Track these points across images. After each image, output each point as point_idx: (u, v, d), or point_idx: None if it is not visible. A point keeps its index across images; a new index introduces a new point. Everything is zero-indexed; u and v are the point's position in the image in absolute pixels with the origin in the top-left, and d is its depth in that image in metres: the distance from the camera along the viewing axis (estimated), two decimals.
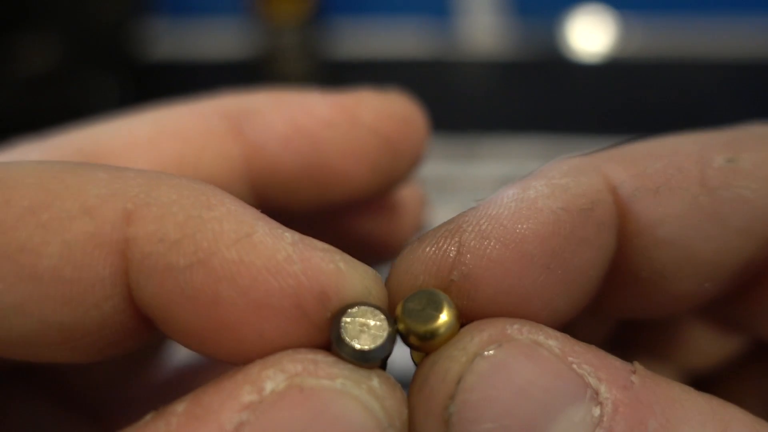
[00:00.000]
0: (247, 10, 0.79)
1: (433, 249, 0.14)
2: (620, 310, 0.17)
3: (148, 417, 0.12)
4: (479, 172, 0.62)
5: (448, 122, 0.72)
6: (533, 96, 0.77)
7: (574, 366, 0.12)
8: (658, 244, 0.15)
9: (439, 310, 0.14)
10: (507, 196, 0.14)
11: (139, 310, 0.13)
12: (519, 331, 0.13)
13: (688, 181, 0.15)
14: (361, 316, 0.13)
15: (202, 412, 0.12)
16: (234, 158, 0.18)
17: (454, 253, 0.14)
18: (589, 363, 0.13)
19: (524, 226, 0.14)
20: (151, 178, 0.13)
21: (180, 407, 0.12)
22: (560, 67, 0.83)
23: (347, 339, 0.13)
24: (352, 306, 0.13)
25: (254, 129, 0.18)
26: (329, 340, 0.13)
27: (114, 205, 0.13)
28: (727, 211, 0.14)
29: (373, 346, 0.13)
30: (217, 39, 0.87)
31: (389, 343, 0.13)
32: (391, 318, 0.13)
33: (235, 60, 0.84)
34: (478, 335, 0.13)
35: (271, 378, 0.12)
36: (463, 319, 0.14)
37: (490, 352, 0.13)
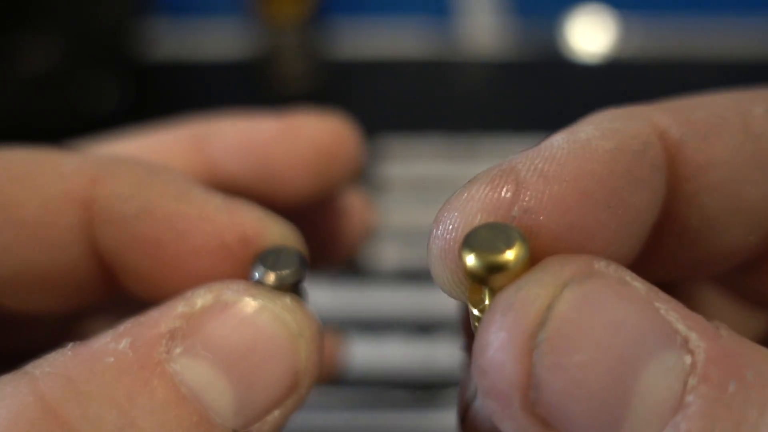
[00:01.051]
0: (247, 10, 0.79)
1: (489, 188, 0.14)
2: (665, 267, 0.16)
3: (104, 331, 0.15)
4: (479, 172, 0.62)
5: (448, 122, 0.72)
6: (533, 96, 0.77)
7: (662, 311, 0.12)
8: (708, 188, 0.15)
9: (511, 242, 0.13)
10: (557, 140, 0.15)
11: (101, 258, 0.17)
12: (606, 267, 0.13)
13: (733, 128, 0.15)
14: (277, 253, 0.16)
15: (145, 320, 0.14)
16: (197, 171, 0.21)
17: (513, 190, 0.14)
18: (676, 311, 0.12)
19: (582, 165, 0.14)
20: (113, 157, 0.17)
21: (129, 320, 0.15)
22: (560, 67, 0.83)
23: (265, 267, 0.16)
24: (271, 247, 0.16)
25: (213, 146, 0.22)
26: (251, 275, 0.16)
27: (83, 172, 0.16)
28: None
29: (286, 270, 0.16)
30: (217, 39, 0.88)
31: (300, 268, 0.16)
32: (302, 253, 0.16)
33: (235, 60, 0.84)
34: (567, 265, 0.13)
35: (201, 296, 0.15)
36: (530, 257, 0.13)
37: (582, 283, 0.12)
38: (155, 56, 0.83)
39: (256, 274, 0.16)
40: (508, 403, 0.12)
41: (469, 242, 0.13)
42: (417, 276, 0.54)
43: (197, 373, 0.14)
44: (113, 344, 0.14)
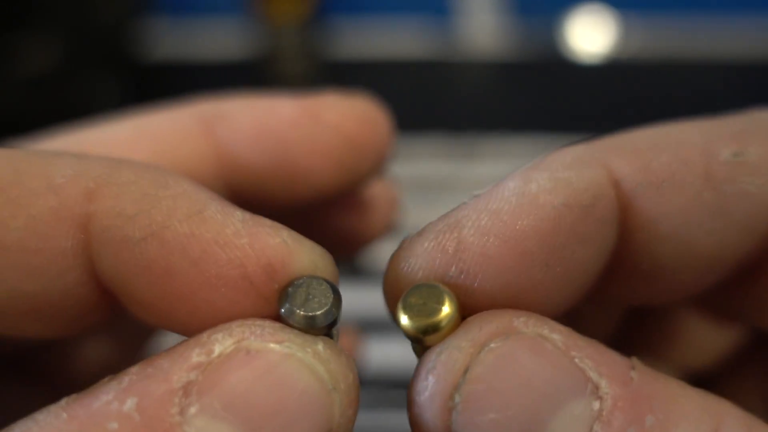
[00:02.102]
0: (247, 10, 0.79)
1: (432, 244, 0.14)
2: (621, 298, 0.17)
3: (105, 379, 0.13)
4: (479, 172, 0.62)
5: (448, 122, 0.72)
6: (533, 96, 0.77)
7: (576, 360, 0.13)
8: (660, 239, 0.15)
9: (441, 303, 0.14)
10: (508, 189, 0.14)
11: (100, 283, 0.14)
12: (525, 324, 0.13)
13: (692, 176, 0.14)
14: (307, 287, 0.13)
15: (153, 372, 0.12)
16: (206, 157, 0.19)
17: (453, 249, 0.14)
18: (591, 358, 0.13)
19: (525, 223, 0.14)
20: (112, 162, 0.14)
21: (134, 369, 0.12)
22: (560, 67, 0.83)
23: (293, 306, 0.13)
24: (299, 278, 0.14)
25: (225, 130, 0.19)
26: (277, 312, 0.13)
27: (77, 183, 0.13)
28: (730, 206, 0.14)
29: (318, 312, 0.13)
30: (217, 39, 0.87)
31: (334, 308, 0.14)
32: (336, 287, 0.14)
33: (235, 60, 0.84)
34: (486, 326, 0.13)
35: (220, 341, 0.13)
36: (463, 312, 0.14)
37: (497, 344, 0.13)
38: (155, 56, 0.83)
39: (283, 312, 0.13)
40: None
41: (405, 305, 0.14)
42: None
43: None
44: (116, 404, 0.12)
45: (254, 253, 0.13)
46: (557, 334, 0.13)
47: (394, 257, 0.15)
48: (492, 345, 0.13)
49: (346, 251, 0.22)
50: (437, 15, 0.87)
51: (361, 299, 0.51)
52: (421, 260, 0.14)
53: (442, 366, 0.13)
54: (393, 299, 0.14)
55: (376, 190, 0.22)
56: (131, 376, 0.12)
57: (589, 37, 0.85)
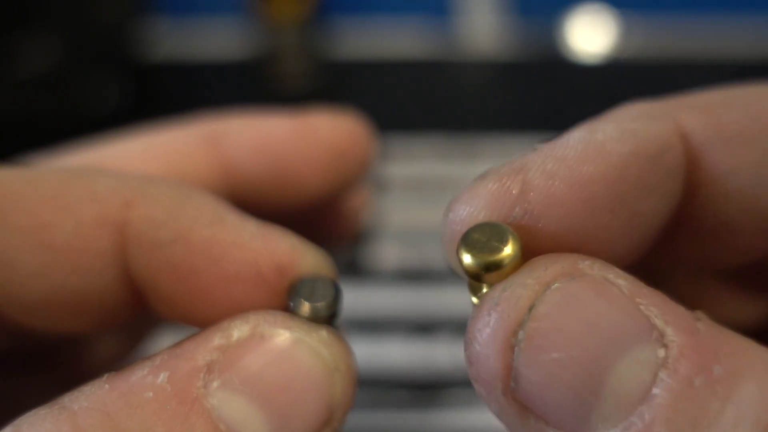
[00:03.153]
0: (247, 9, 0.80)
1: (496, 186, 0.15)
2: (684, 258, 0.17)
3: (139, 360, 0.15)
4: (479, 173, 0.62)
5: (448, 122, 0.72)
6: (533, 96, 0.77)
7: (642, 307, 0.13)
8: (728, 195, 0.15)
9: (504, 242, 0.14)
10: (574, 137, 0.15)
11: (132, 282, 0.16)
12: (590, 267, 0.13)
13: (763, 132, 0.14)
14: (312, 283, 0.16)
15: (181, 352, 0.14)
16: (212, 171, 0.21)
17: (518, 190, 0.14)
18: (656, 306, 0.13)
19: (591, 169, 0.14)
20: (145, 178, 0.17)
21: (164, 350, 0.15)
22: (560, 67, 0.83)
23: (300, 298, 0.15)
24: (305, 276, 0.16)
25: (228, 146, 0.21)
26: (286, 305, 0.16)
27: (116, 195, 0.16)
28: None
29: (322, 303, 0.15)
30: (218, 39, 0.88)
31: (336, 301, 0.16)
32: (337, 284, 0.16)
33: (235, 60, 0.85)
34: (552, 266, 0.13)
35: (238, 328, 0.15)
36: (525, 254, 0.14)
37: (563, 284, 0.13)
38: (155, 56, 0.83)
39: (292, 305, 0.16)
40: (491, 389, 0.13)
41: (466, 242, 0.14)
42: (417, 276, 0.54)
43: (234, 408, 0.14)
44: (151, 378, 0.14)
45: (267, 254, 0.16)
46: (623, 280, 0.13)
47: (455, 200, 0.15)
48: (557, 285, 0.13)
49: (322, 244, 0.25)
50: (437, 15, 0.87)
51: (362, 299, 0.51)
52: (484, 201, 0.15)
53: (506, 302, 0.13)
54: (452, 240, 0.15)
55: (355, 195, 0.25)
56: (162, 356, 0.14)
57: (589, 37, 0.85)
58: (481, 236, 0.14)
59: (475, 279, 0.14)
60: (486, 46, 0.86)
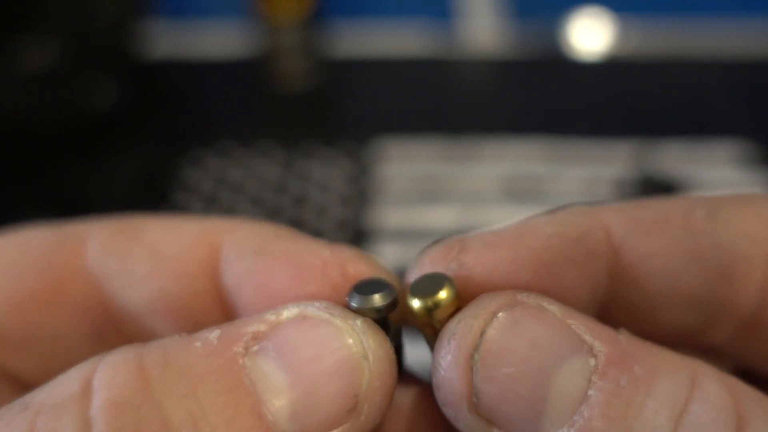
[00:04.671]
0: (246, 9, 0.79)
1: (441, 247, 0.18)
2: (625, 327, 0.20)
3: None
4: (479, 173, 0.62)
5: (449, 122, 0.72)
6: (533, 98, 0.77)
7: (573, 326, 0.16)
8: (648, 275, 0.18)
9: (442, 287, 0.17)
10: (511, 222, 0.18)
11: (220, 291, 0.19)
12: (527, 297, 0.16)
13: (674, 227, 0.18)
14: (371, 284, 0.17)
15: (239, 322, 0.16)
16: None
17: (457, 250, 0.17)
18: (585, 325, 0.16)
19: (520, 240, 0.17)
20: (234, 219, 0.20)
21: (220, 326, 0.17)
22: (560, 66, 0.83)
23: (354, 293, 0.17)
24: (367, 279, 0.18)
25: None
26: (345, 301, 0.17)
27: (216, 223, 0.19)
28: (705, 253, 0.18)
29: (370, 298, 0.17)
30: (217, 38, 0.88)
31: (384, 299, 0.17)
32: (393, 288, 0.17)
33: (235, 59, 0.85)
34: (495, 299, 0.16)
35: (288, 309, 0.17)
36: (464, 297, 0.17)
37: (506, 311, 0.16)
38: (155, 55, 0.83)
39: (347, 299, 0.17)
40: (458, 408, 0.16)
41: (413, 290, 0.17)
42: None
43: (263, 368, 0.15)
44: (207, 333, 0.16)
45: (334, 259, 0.18)
46: (555, 306, 0.16)
47: (413, 259, 0.18)
48: (501, 313, 0.16)
49: None
50: (439, 17, 0.87)
51: None
52: (429, 257, 0.18)
53: (462, 331, 0.16)
54: (405, 293, 0.18)
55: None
56: (219, 327, 0.16)
57: (589, 39, 0.85)
58: (424, 285, 0.17)
59: (425, 322, 0.17)
60: (486, 46, 0.86)
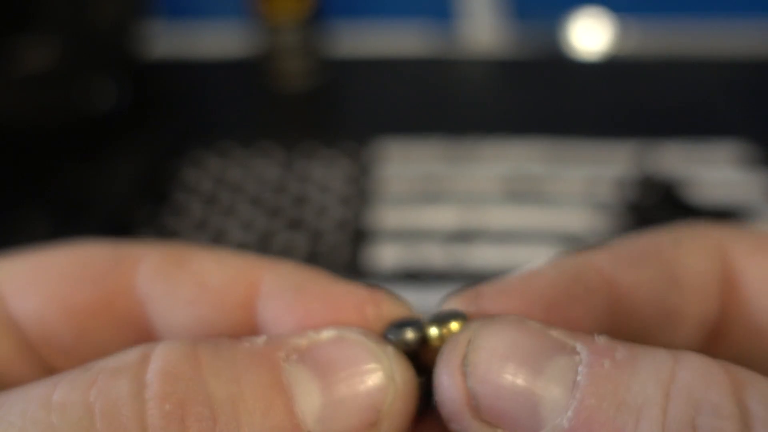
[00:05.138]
0: (246, 8, 0.79)
1: (460, 295, 0.20)
2: None
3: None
4: (479, 174, 0.62)
5: (449, 122, 0.72)
6: (533, 98, 0.77)
7: (554, 334, 0.17)
8: (639, 303, 0.20)
9: (455, 317, 0.19)
10: (520, 270, 0.20)
11: (255, 328, 0.20)
12: (507, 315, 0.18)
13: (649, 258, 0.21)
14: (405, 322, 0.19)
15: (284, 335, 0.18)
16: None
17: (474, 296, 0.19)
18: (564, 332, 0.17)
19: (527, 285, 0.19)
20: (274, 259, 0.21)
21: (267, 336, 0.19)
22: (560, 71, 0.83)
23: (391, 328, 0.19)
24: (403, 318, 0.19)
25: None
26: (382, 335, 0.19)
27: (256, 263, 0.21)
28: (681, 276, 0.20)
29: (402, 332, 0.19)
30: (217, 37, 0.88)
31: (414, 336, 0.19)
32: (424, 327, 0.19)
33: (235, 58, 0.85)
34: (478, 318, 0.18)
35: (327, 330, 0.18)
36: None
37: (488, 323, 0.18)
38: (155, 55, 0.83)
39: (384, 333, 0.19)
40: (462, 417, 0.17)
41: (431, 320, 0.19)
42: (417, 276, 0.54)
43: (299, 374, 0.17)
44: (254, 338, 0.18)
45: (370, 299, 0.20)
46: (534, 322, 0.18)
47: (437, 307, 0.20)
48: (485, 324, 0.18)
49: None
50: (439, 18, 0.87)
51: None
52: (449, 304, 0.20)
53: (450, 344, 0.18)
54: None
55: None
56: (263, 340, 0.18)
57: (589, 41, 0.85)
58: (442, 316, 0.19)
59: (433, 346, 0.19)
60: (487, 47, 0.86)
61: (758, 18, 0.84)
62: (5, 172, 0.67)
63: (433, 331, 0.19)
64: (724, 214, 0.56)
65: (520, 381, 0.17)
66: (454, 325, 0.19)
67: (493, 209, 0.58)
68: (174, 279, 0.21)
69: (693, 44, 0.84)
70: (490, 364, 0.17)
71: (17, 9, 0.66)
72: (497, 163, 0.63)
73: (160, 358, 0.17)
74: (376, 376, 0.18)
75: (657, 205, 0.56)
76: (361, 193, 0.61)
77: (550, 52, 0.85)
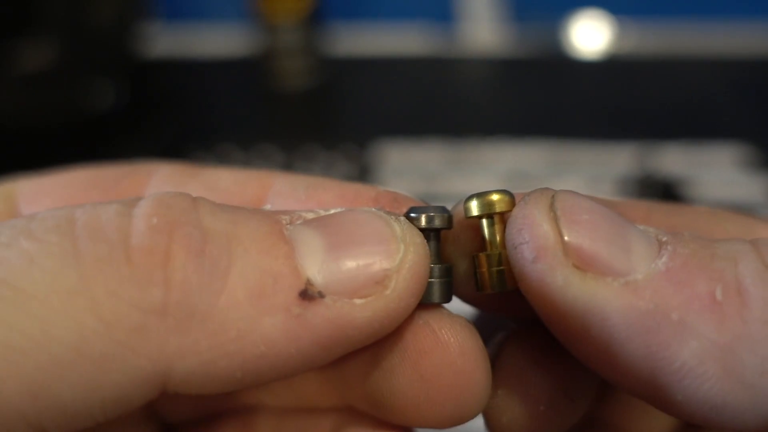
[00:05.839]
0: (246, 9, 0.79)
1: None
2: None
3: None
4: (480, 175, 0.62)
5: (448, 123, 0.71)
6: (533, 100, 0.77)
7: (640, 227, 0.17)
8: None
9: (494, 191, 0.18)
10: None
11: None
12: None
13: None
14: (426, 207, 0.19)
15: (284, 210, 0.18)
16: None
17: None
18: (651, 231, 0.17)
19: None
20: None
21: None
22: (560, 73, 0.83)
23: (414, 209, 0.18)
24: (422, 206, 0.19)
25: None
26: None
27: (269, 172, 0.20)
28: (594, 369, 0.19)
29: (423, 213, 0.18)
30: (217, 37, 0.87)
31: (434, 217, 0.18)
32: (445, 214, 0.19)
33: (234, 57, 0.84)
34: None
35: (336, 208, 0.18)
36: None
37: (563, 192, 0.17)
38: (154, 55, 0.83)
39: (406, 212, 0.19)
40: (554, 256, 0.16)
41: (468, 198, 0.19)
42: None
43: (302, 231, 0.16)
44: (268, 208, 0.18)
45: (386, 194, 0.19)
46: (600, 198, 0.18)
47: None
48: (559, 192, 0.17)
49: None
50: (440, 20, 0.87)
51: None
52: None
53: (534, 194, 0.17)
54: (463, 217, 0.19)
55: None
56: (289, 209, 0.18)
57: (588, 42, 0.85)
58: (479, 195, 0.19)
59: (488, 214, 0.18)
60: (486, 49, 0.86)
61: (758, 18, 0.84)
62: (4, 171, 0.67)
63: (474, 203, 0.18)
64: None
65: (612, 230, 0.16)
66: (497, 197, 0.18)
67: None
68: (184, 185, 0.20)
69: (695, 45, 0.84)
70: (581, 211, 0.16)
71: (17, 9, 0.65)
72: (498, 164, 0.63)
73: (157, 194, 0.16)
74: (383, 233, 0.17)
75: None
76: None
77: (551, 55, 0.85)
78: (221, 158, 0.66)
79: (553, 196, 0.17)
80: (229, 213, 0.16)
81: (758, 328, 0.15)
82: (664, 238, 0.16)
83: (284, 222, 0.17)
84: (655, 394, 0.16)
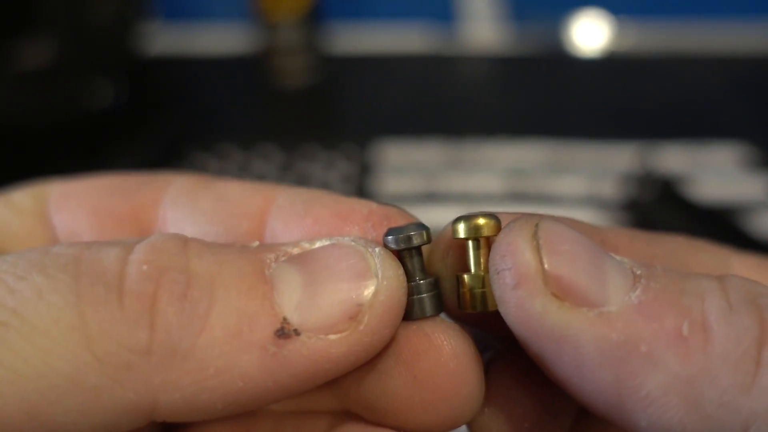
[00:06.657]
0: (245, 8, 0.79)
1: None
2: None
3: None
4: (480, 174, 0.62)
5: (448, 122, 0.71)
6: (533, 100, 0.77)
7: (617, 258, 0.18)
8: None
9: (481, 215, 0.19)
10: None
11: (263, 236, 0.21)
12: (549, 217, 0.18)
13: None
14: (407, 226, 0.19)
15: (274, 243, 0.19)
16: None
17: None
18: (623, 262, 0.18)
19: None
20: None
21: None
22: (560, 73, 0.83)
23: (390, 232, 0.19)
24: (404, 225, 0.19)
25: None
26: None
27: (274, 185, 0.21)
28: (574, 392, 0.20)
29: (402, 229, 0.19)
30: (216, 34, 0.87)
31: (408, 237, 0.18)
32: (426, 228, 0.19)
33: (234, 55, 0.84)
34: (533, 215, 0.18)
35: (322, 240, 0.19)
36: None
37: (547, 219, 0.18)
38: (154, 53, 0.83)
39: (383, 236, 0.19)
40: (534, 283, 0.17)
41: (455, 221, 0.19)
42: None
43: (283, 270, 0.17)
44: (249, 244, 0.18)
45: (379, 210, 0.19)
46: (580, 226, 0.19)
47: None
48: (541, 221, 0.18)
49: None
50: (440, 20, 0.87)
51: None
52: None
53: (518, 222, 0.17)
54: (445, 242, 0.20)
55: None
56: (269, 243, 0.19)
57: (588, 41, 0.85)
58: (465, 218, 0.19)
59: (474, 237, 0.19)
60: (486, 48, 0.86)
61: (758, 17, 0.84)
62: (3, 170, 0.67)
63: (461, 226, 0.18)
64: (723, 213, 0.56)
65: (590, 260, 0.17)
66: (484, 221, 0.18)
67: (494, 209, 0.58)
68: (197, 195, 0.21)
69: (695, 45, 0.84)
70: (562, 242, 0.17)
71: (16, 8, 0.65)
72: (497, 163, 0.63)
73: (152, 238, 0.18)
74: (357, 268, 0.17)
75: (656, 202, 0.55)
76: (360, 194, 0.61)
77: (551, 54, 0.85)
78: (220, 156, 0.66)
79: (537, 225, 0.17)
80: (216, 254, 0.17)
81: (719, 363, 0.16)
82: (638, 272, 0.17)
83: (268, 261, 0.18)
84: (621, 417, 0.17)
